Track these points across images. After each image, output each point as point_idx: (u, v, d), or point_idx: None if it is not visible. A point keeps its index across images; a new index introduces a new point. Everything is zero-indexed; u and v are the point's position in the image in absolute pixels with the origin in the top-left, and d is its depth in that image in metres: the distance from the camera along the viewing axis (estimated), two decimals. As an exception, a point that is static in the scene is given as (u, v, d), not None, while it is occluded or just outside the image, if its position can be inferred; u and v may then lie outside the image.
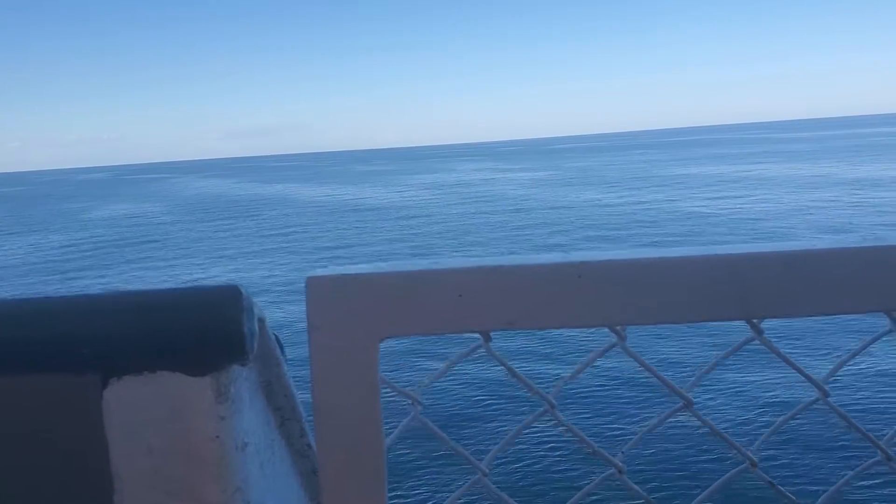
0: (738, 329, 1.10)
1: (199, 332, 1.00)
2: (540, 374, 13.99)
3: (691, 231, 32.36)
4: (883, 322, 1.19)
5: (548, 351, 15.27)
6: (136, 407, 1.03)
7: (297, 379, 1.22)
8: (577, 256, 1.05)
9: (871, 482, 8.54)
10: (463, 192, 62.58)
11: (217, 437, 1.04)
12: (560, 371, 14.15)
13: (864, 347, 1.37)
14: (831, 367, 1.33)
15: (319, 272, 1.05)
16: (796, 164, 67.04)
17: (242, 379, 1.08)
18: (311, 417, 1.12)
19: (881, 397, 12.07)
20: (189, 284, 1.04)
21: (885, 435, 1.34)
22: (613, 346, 1.20)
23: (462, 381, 13.46)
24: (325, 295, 1.04)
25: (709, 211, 38.46)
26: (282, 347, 1.27)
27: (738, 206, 39.99)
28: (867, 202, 38.07)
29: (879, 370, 12.89)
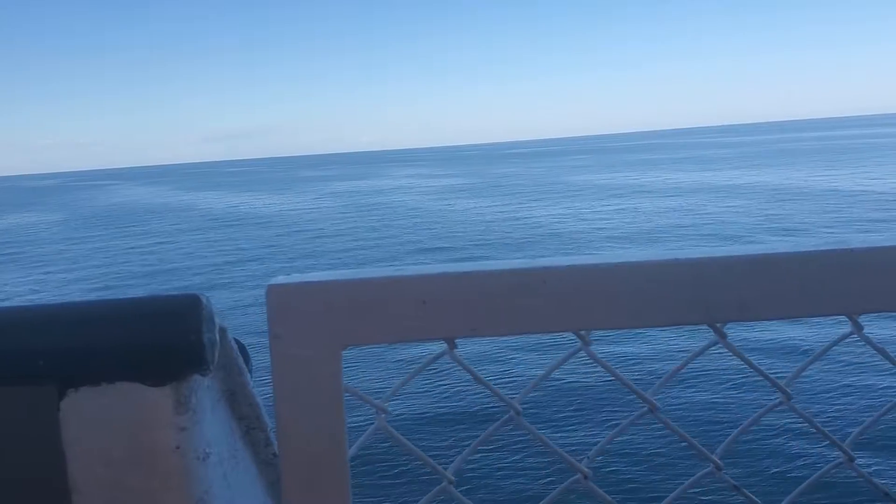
0: (703, 333, 1.10)
1: (157, 342, 0.99)
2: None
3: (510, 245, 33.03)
4: (845, 325, 1.21)
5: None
6: (94, 418, 1.02)
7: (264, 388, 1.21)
8: (540, 262, 1.05)
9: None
10: (365, 200, 63.80)
11: (178, 447, 1.03)
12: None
13: (827, 350, 1.39)
14: (794, 369, 1.34)
15: (281, 280, 1.04)
16: (692, 173, 69.52)
17: (204, 388, 1.07)
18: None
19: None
20: (149, 294, 1.03)
21: (847, 436, 1.35)
22: (578, 350, 1.20)
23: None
24: (286, 303, 1.03)
25: (560, 224, 39.09)
26: (248, 356, 1.26)
27: (588, 217, 40.91)
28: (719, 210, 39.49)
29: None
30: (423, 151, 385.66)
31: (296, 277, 1.04)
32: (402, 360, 15.05)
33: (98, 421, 1.02)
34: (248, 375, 1.21)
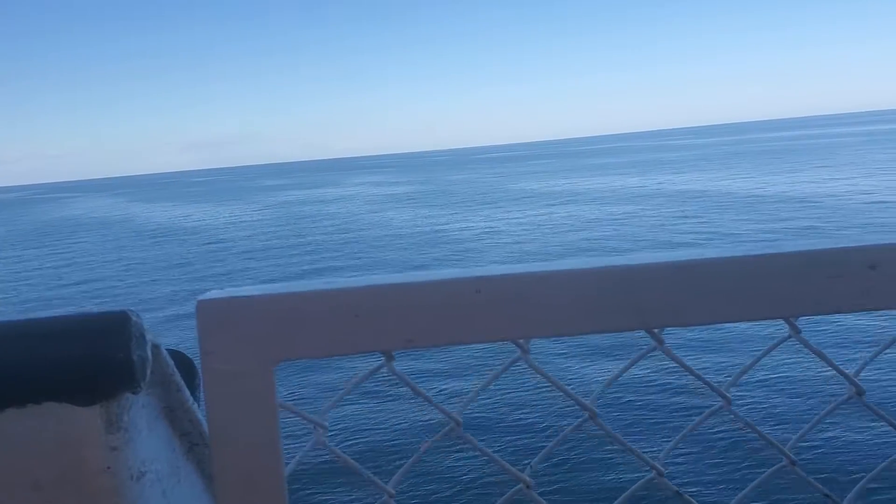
0: (641, 339, 1.10)
1: (85, 361, 0.96)
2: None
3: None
4: (782, 328, 1.21)
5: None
6: (21, 440, 0.99)
7: None
8: (475, 271, 1.04)
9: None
10: (304, 210, 65.35)
11: (108, 468, 1.01)
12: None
13: (765, 354, 1.39)
14: (734, 374, 1.35)
15: (211, 294, 1.02)
16: (633, 177, 71.66)
17: (139, 406, 1.04)
18: None
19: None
20: (75, 311, 1.01)
21: (788, 440, 1.36)
22: (517, 360, 1.20)
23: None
24: (216, 318, 1.00)
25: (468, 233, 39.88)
26: (195, 372, 1.24)
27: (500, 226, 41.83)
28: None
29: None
30: (396, 157, 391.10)
31: (226, 292, 1.03)
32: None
33: (26, 443, 0.99)
34: (188, 391, 1.19)
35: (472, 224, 43.91)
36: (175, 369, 1.14)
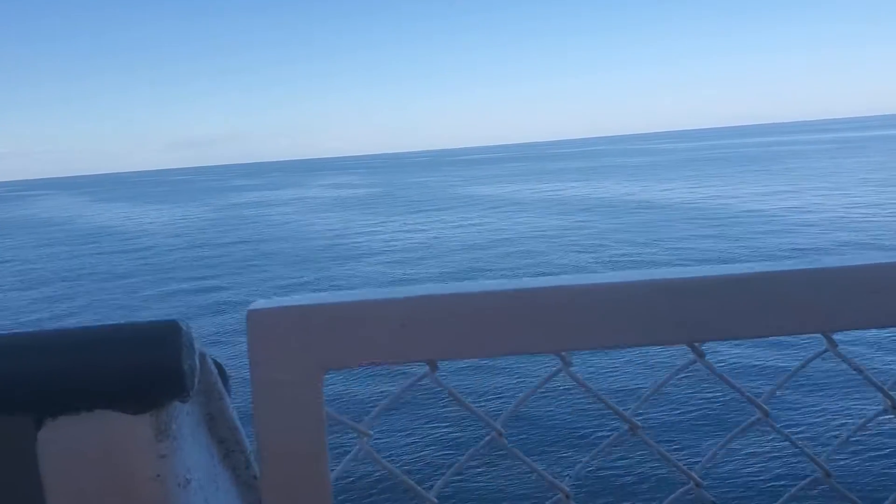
0: (682, 352, 1.11)
1: (137, 370, 0.98)
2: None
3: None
4: (819, 342, 1.22)
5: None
6: (72, 448, 1.01)
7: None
8: (521, 283, 1.05)
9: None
10: (246, 213, 65.60)
11: (158, 475, 1.02)
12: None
13: (802, 367, 1.40)
14: (771, 387, 1.35)
15: (261, 304, 1.04)
16: (588, 182, 72.69)
17: (185, 415, 1.06)
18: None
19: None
20: (127, 321, 1.03)
21: (823, 453, 1.36)
22: (559, 371, 1.21)
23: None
24: (266, 328, 1.03)
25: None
26: (226, 377, 1.25)
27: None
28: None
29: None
30: (378, 158, 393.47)
31: (275, 301, 1.04)
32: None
33: (76, 450, 1.01)
34: (228, 399, 1.21)
35: (381, 236, 42.66)
36: (218, 378, 1.16)
